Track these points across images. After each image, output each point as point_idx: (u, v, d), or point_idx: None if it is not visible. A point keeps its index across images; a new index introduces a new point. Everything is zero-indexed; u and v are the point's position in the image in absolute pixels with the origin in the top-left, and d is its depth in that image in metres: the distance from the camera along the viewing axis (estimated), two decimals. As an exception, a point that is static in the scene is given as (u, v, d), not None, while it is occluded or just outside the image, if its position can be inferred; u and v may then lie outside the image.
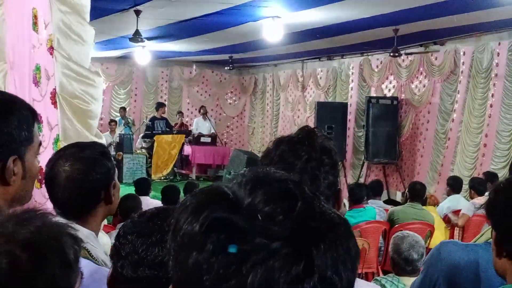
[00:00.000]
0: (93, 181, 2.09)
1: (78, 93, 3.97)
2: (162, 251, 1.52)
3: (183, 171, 15.75)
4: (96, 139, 3.88)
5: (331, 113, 13.74)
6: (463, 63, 11.61)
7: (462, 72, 11.62)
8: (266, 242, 0.75)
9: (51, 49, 3.83)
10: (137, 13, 9.93)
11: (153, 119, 15.57)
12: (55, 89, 3.80)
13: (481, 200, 7.36)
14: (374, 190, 8.57)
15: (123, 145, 14.48)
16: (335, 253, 0.78)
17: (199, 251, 0.77)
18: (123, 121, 15.88)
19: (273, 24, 10.13)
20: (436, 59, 12.32)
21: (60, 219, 1.18)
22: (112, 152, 13.33)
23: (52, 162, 2.14)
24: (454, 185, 8.55)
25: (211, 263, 0.76)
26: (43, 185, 2.89)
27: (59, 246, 1.11)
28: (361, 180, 13.06)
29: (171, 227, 0.84)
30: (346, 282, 0.79)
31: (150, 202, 7.19)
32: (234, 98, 20.12)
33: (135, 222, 1.61)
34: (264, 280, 0.74)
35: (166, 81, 19.09)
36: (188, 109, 19.06)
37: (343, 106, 14.25)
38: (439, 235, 7.27)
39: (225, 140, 18.83)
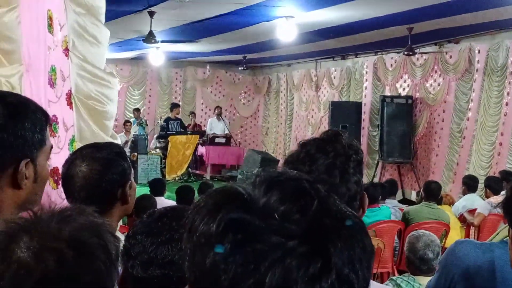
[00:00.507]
0: (109, 181, 2.11)
1: (93, 94, 3.99)
2: (172, 250, 1.53)
3: (197, 172, 15.78)
4: (111, 140, 3.90)
5: (345, 113, 13.73)
6: (478, 61, 11.53)
7: (477, 70, 11.54)
8: (283, 240, 0.75)
9: (66, 50, 3.85)
10: (151, 14, 9.97)
11: (167, 120, 15.64)
12: (70, 90, 3.83)
13: (497, 199, 7.31)
14: (389, 189, 8.54)
15: (138, 145, 14.55)
16: (351, 251, 0.78)
17: (217, 252, 0.77)
18: (137, 122, 15.95)
19: (287, 24, 10.13)
20: (450, 57, 12.26)
21: (98, 217, 1.19)
22: (127, 153, 13.37)
23: (69, 163, 2.16)
24: (469, 184, 8.50)
25: (229, 263, 0.76)
26: (60, 186, 2.91)
27: (103, 243, 1.12)
28: (376, 180, 13.02)
29: (186, 228, 0.85)
30: (362, 280, 0.79)
31: (165, 202, 7.19)
32: (248, 98, 20.12)
33: (144, 222, 1.62)
34: (282, 279, 0.74)
35: (180, 82, 19.13)
36: (202, 110, 19.09)
37: (357, 106, 14.22)
38: (455, 235, 7.22)
39: (239, 140, 18.83)
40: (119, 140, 4.51)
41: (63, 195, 2.21)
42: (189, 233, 0.83)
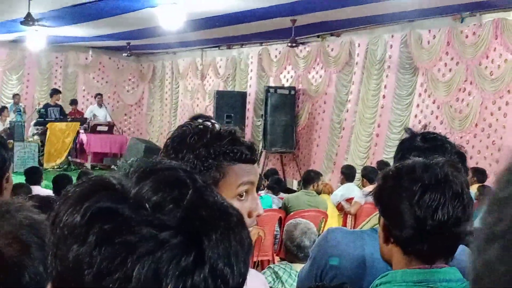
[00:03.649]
0: None
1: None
2: None
3: (78, 160, 15.35)
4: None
5: (230, 102, 13.82)
6: (357, 55, 11.95)
7: (357, 63, 11.96)
8: (154, 232, 0.72)
9: None
10: (29, -5, 9.53)
11: (46, 106, 15.10)
12: None
13: (371, 188, 7.60)
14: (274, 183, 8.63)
15: (14, 132, 14.00)
16: (227, 244, 0.76)
17: (81, 244, 0.72)
18: (14, 108, 15.25)
19: (171, 11, 9.96)
20: (332, 50, 12.61)
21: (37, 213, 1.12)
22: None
23: None
24: (347, 173, 8.78)
25: (93, 256, 0.71)
26: None
27: (41, 242, 1.06)
28: (259, 170, 13.18)
29: (50, 220, 0.79)
30: (238, 274, 0.77)
31: (42, 191, 6.94)
32: (132, 85, 19.76)
33: None
34: (152, 272, 0.70)
35: (61, 67, 18.48)
36: (83, 96, 18.55)
37: (242, 95, 14.35)
38: (333, 223, 7.46)
39: (122, 128, 18.47)
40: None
41: None
42: (53, 226, 0.78)
